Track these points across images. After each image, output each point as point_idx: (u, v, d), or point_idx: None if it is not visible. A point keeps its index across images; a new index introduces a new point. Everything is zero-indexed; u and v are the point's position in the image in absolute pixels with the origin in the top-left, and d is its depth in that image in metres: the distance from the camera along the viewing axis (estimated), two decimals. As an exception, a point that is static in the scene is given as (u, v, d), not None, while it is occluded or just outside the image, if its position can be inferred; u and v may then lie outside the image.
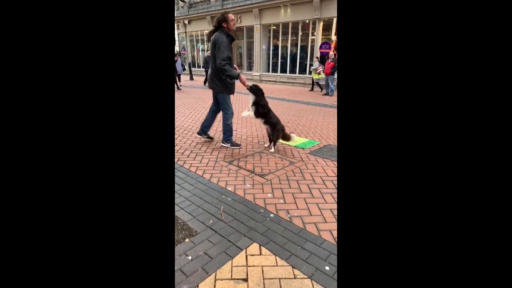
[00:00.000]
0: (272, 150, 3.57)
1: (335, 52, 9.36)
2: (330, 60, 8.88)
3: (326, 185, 2.64)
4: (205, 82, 10.75)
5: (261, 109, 3.45)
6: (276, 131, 3.49)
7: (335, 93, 9.06)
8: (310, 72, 10.75)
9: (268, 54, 13.57)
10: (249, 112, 3.52)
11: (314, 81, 10.17)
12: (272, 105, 7.18)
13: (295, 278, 1.50)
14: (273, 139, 3.55)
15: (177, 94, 8.71)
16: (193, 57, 17.64)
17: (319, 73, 9.62)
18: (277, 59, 13.18)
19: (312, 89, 10.47)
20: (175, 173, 2.82)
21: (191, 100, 7.62)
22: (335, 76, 8.97)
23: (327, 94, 9.18)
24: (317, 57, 10.19)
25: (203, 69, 11.17)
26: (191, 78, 13.38)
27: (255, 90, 3.45)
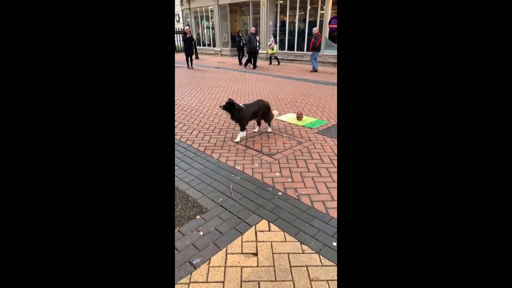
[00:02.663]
0: (270, 130, 3.57)
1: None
2: (312, 37, 8.94)
3: (334, 164, 2.64)
4: (245, 64, 10.45)
5: (241, 118, 3.17)
6: (266, 115, 3.44)
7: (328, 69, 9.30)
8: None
9: (275, 31, 13.10)
10: (241, 134, 3.26)
11: (269, 55, 11.34)
12: (280, 84, 7.09)
13: (303, 253, 1.55)
14: (267, 120, 3.51)
15: (184, 74, 8.61)
16: (197, 34, 17.16)
17: (272, 49, 10.73)
18: (284, 36, 12.70)
19: (270, 63, 11.53)
20: (185, 153, 2.87)
21: (197, 80, 7.54)
22: (321, 52, 9.57)
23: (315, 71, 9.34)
24: (273, 35, 11.80)
25: (246, 48, 10.48)
26: (197, 57, 13.12)
27: (228, 108, 3.12)
